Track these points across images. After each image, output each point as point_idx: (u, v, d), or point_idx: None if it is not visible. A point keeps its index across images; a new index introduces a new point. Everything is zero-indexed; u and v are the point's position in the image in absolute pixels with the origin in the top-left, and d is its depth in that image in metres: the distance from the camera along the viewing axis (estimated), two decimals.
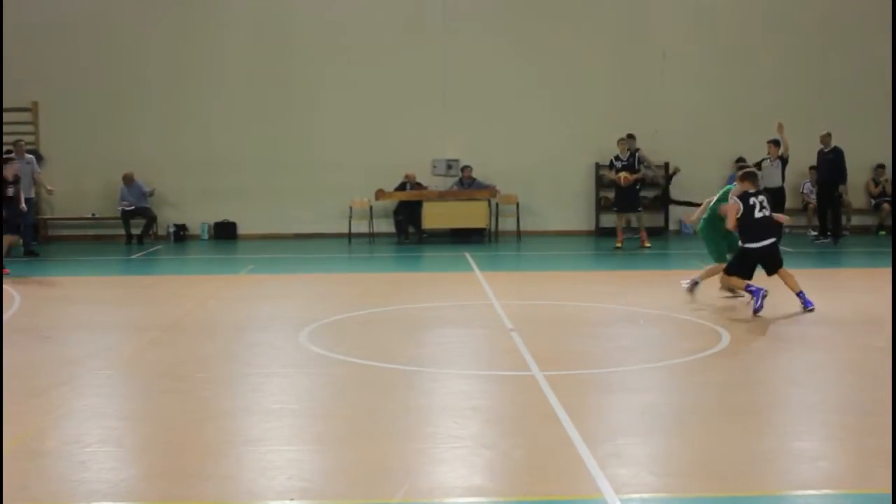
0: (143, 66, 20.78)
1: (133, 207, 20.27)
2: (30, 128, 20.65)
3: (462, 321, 10.94)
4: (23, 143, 18.22)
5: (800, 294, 10.93)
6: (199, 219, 21.03)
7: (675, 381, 8.04)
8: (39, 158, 19.23)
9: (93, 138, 20.45)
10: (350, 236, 20.26)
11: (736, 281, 11.06)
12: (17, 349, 9.63)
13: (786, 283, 11.05)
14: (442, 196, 19.92)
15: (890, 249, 17.81)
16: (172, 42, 20.78)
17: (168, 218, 20.93)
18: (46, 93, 20.65)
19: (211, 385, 8.07)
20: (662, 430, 6.56)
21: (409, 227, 20.45)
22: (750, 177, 11.14)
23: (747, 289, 10.86)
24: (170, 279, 14.89)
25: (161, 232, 20.94)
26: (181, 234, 20.84)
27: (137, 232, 20.27)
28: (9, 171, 14.88)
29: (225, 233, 20.98)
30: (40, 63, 20.58)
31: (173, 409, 7.29)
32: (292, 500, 5.28)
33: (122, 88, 20.74)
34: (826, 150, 18.82)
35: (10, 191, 16.31)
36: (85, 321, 11.50)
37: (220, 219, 21.03)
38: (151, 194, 20.55)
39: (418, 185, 20.44)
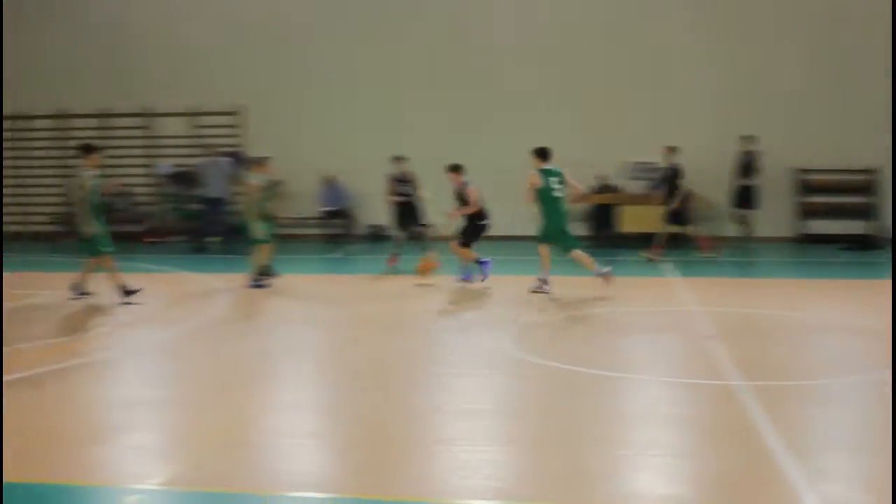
0: (349, 70, 21.28)
1: (333, 208, 20.82)
2: (237, 131, 21.56)
3: (660, 327, 10.72)
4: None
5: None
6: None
7: (886, 396, 7.62)
8: (246, 161, 20.05)
9: (296, 140, 21.06)
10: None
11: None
12: (224, 342, 10.05)
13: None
14: (639, 199, 19.57)
15: None
16: (375, 46, 21.20)
17: (367, 219, 21.31)
18: (252, 97, 21.47)
19: (406, 384, 8.18)
20: (872, 446, 6.21)
21: (602, 230, 20.20)
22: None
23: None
24: (365, 278, 15.18)
25: (360, 232, 21.36)
26: (378, 235, 21.22)
27: (337, 232, 20.81)
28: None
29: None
30: (246, 68, 21.44)
31: (370, 406, 7.42)
32: (485, 499, 5.27)
33: (326, 92, 21.32)
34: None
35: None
36: (286, 317, 11.90)
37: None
38: (352, 198, 21.00)
39: (611, 188, 20.18)
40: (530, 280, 13.21)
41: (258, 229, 14.09)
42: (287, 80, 21.49)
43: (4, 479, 5.67)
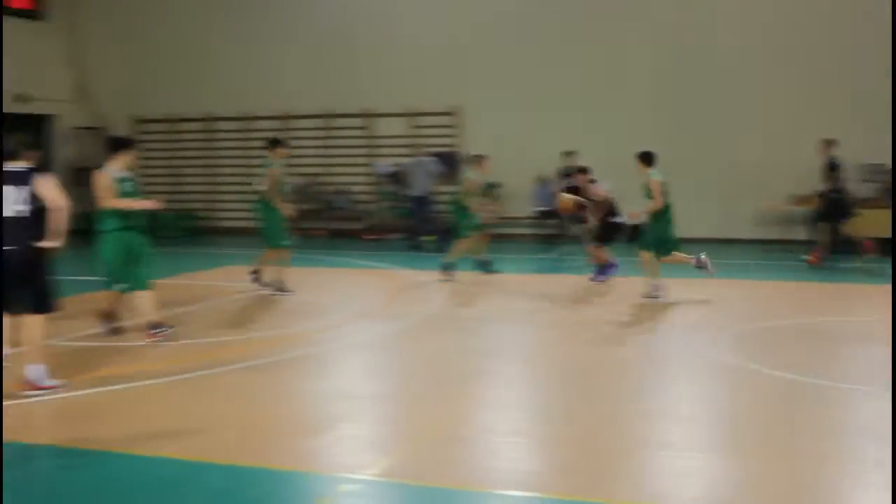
0: (563, 70, 21.24)
1: (547, 208, 20.83)
2: (453, 131, 21.93)
3: (881, 337, 10.20)
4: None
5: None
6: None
7: None
8: (454, 161, 20.48)
9: (511, 140, 21.13)
10: (758, 243, 19.53)
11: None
12: (437, 338, 10.24)
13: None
14: (869, 203, 18.49)
15: None
16: (590, 45, 21.08)
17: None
18: (468, 97, 21.77)
19: (616, 386, 8.12)
20: None
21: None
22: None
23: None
24: (577, 279, 15.09)
25: (573, 232, 21.26)
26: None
27: (551, 232, 20.82)
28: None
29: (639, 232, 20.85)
30: (462, 69, 21.75)
31: (580, 406, 7.41)
32: None
33: (541, 91, 21.35)
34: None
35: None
36: (498, 315, 11.98)
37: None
38: None
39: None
40: (743, 284, 12.82)
41: (465, 222, 14.63)
42: (502, 80, 21.62)
43: (227, 461, 6.00)
